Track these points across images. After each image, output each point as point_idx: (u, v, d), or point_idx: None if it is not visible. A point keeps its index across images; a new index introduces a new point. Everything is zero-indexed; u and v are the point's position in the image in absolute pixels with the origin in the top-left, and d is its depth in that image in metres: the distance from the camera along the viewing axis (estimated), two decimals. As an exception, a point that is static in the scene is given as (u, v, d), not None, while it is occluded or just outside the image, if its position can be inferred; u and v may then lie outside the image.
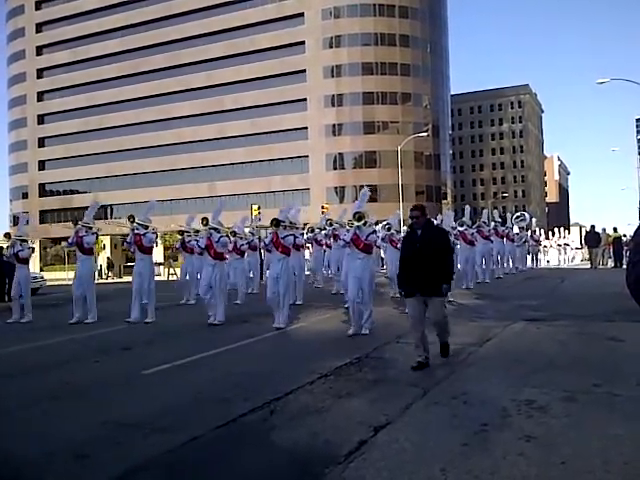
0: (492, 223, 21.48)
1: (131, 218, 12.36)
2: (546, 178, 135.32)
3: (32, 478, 4.02)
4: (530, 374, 6.30)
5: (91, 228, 12.72)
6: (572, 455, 4.02)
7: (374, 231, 10.78)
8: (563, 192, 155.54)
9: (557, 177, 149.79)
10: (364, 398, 5.76)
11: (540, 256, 31.11)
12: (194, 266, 15.27)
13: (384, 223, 15.15)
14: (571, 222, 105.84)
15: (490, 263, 19.56)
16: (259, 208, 35.71)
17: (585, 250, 35.81)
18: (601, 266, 26.68)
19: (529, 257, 27.25)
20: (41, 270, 40.45)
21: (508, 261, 22.67)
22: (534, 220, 28.25)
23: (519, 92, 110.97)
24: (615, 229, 27.68)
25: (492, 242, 19.39)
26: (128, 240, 12.24)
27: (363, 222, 9.52)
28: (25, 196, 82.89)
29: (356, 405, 5.54)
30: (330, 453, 4.23)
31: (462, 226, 16.06)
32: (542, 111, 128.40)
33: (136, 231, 12.07)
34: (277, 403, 5.59)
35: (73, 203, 74.55)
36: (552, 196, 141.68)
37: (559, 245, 34.95)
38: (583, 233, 34.71)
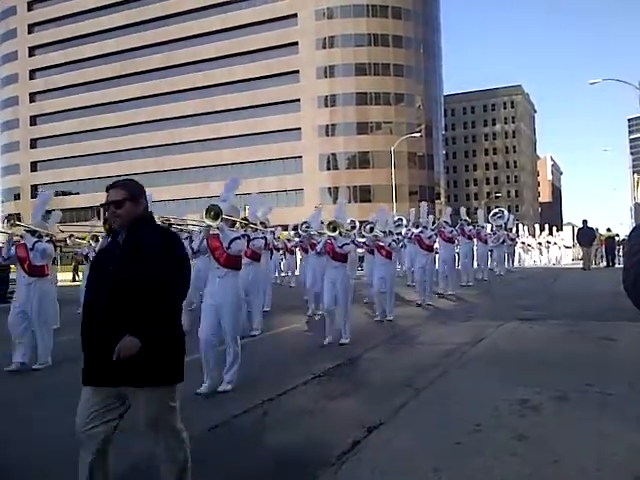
0: (488, 225, 20.72)
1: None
2: (539, 178, 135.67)
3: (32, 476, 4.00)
4: (523, 373, 6.31)
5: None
6: (565, 454, 4.03)
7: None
8: (556, 192, 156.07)
9: (550, 177, 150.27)
10: (357, 399, 5.76)
11: (524, 256, 29.97)
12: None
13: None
14: (564, 222, 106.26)
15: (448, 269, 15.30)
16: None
17: (576, 249, 35.25)
18: (594, 265, 26.41)
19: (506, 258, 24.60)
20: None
21: (485, 265, 19.46)
22: (512, 217, 25.41)
23: (512, 92, 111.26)
24: (609, 229, 27.61)
25: (454, 244, 16.03)
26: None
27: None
28: (17, 197, 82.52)
29: (349, 406, 5.54)
30: (324, 454, 4.22)
31: (417, 228, 13.84)
32: (535, 111, 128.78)
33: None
34: (270, 404, 5.58)
35: (65, 204, 74.21)
36: (545, 196, 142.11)
37: (539, 243, 32.29)
38: (575, 232, 33.34)
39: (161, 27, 75.45)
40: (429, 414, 5.13)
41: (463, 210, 18.86)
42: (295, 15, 71.48)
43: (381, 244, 10.94)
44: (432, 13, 76.96)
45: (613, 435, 4.36)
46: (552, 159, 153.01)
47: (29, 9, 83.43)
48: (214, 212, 5.92)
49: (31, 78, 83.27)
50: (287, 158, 70.59)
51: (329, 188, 69.70)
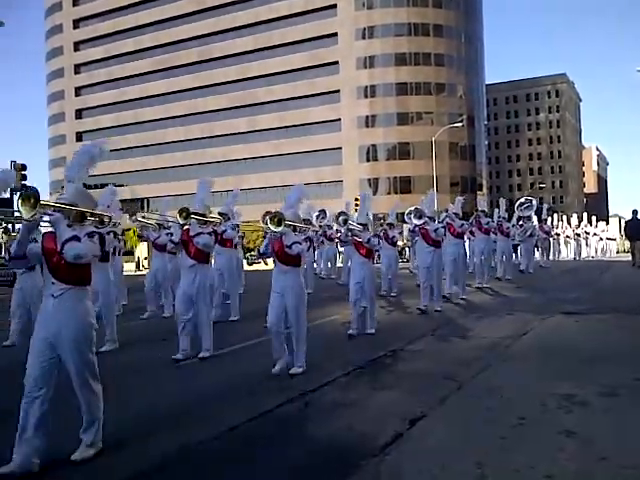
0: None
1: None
2: (584, 169, 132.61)
3: (60, 471, 4.10)
4: (569, 368, 6.19)
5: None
6: (613, 451, 3.94)
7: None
8: (602, 183, 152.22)
9: (595, 167, 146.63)
10: (399, 391, 5.74)
11: (563, 249, 28.24)
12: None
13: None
14: (610, 213, 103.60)
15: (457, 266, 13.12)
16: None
17: (620, 241, 33.85)
18: None
19: (537, 252, 22.81)
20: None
21: (509, 260, 17.03)
22: (545, 207, 23.32)
23: (556, 81, 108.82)
24: None
25: (463, 240, 13.71)
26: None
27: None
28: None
29: (391, 397, 5.53)
30: (366, 445, 4.22)
31: (420, 219, 11.12)
32: (580, 100, 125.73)
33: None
34: (312, 395, 5.60)
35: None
36: (590, 187, 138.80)
37: (577, 235, 29.18)
38: (622, 224, 31.58)
39: (199, 21, 76.09)
40: (472, 407, 5.07)
41: (503, 202, 17.65)
42: (334, 6, 71.17)
43: (359, 240, 8.84)
44: (473, 1, 75.67)
45: (664, 432, 4.24)
46: (598, 149, 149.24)
47: (74, 5, 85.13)
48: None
49: (76, 73, 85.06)
50: (326, 150, 70.50)
51: (369, 179, 69.40)
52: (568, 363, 6.42)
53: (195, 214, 7.69)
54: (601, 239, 32.81)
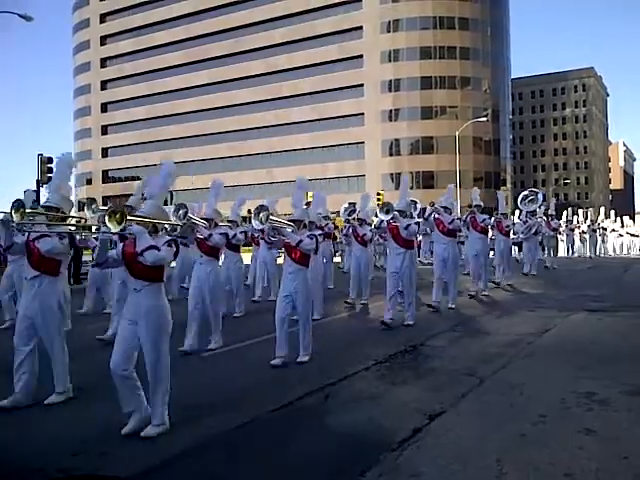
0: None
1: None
2: (610, 164, 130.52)
3: (96, 453, 4.18)
4: (591, 366, 6.14)
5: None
6: (635, 450, 3.91)
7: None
8: (628, 179, 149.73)
9: (622, 163, 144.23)
10: (419, 386, 5.74)
11: (579, 245, 26.73)
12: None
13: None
14: (637, 210, 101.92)
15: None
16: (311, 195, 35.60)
17: None
18: None
19: (542, 251, 20.90)
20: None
21: (508, 262, 14.68)
22: (552, 202, 21.23)
23: (583, 75, 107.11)
24: None
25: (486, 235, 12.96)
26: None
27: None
28: (89, 182, 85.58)
29: (411, 392, 5.53)
30: (384, 439, 4.24)
31: (388, 214, 8.91)
32: (607, 95, 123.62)
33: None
34: (332, 388, 5.63)
35: (134, 189, 76.45)
36: (616, 183, 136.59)
37: (594, 230, 27.10)
38: None
39: (227, 14, 76.22)
40: (492, 404, 5.06)
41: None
42: (360, -1, 70.87)
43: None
44: (500, -7, 74.71)
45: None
46: (625, 145, 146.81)
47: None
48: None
49: (102, 66, 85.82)
50: (349, 144, 70.34)
51: (391, 174, 69.06)
52: (590, 361, 6.36)
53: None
54: (620, 235, 31.44)
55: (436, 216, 10.69)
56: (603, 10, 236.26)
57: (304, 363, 6.69)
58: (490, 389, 5.50)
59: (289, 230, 6.87)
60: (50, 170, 21.09)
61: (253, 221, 6.61)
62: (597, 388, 5.28)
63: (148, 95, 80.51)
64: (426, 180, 67.70)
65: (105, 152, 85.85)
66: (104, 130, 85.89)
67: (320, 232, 8.70)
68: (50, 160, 21.61)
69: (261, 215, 6.57)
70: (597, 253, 27.26)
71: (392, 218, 8.82)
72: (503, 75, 75.15)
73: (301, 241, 6.74)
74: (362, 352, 7.20)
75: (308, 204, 9.34)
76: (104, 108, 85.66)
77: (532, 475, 3.62)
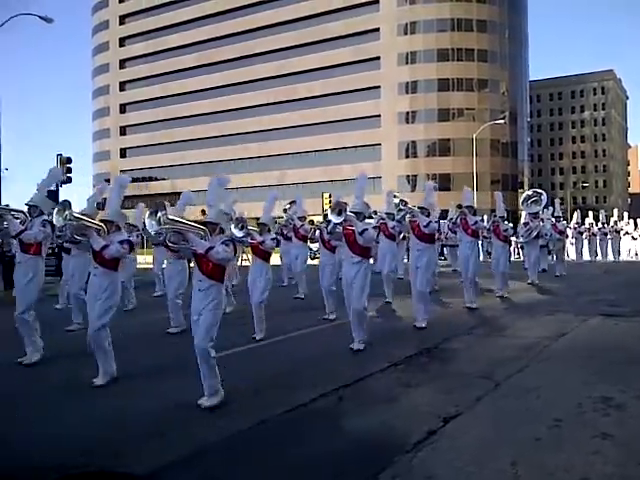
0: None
1: None
2: (629, 168, 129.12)
3: (106, 454, 4.24)
4: (607, 371, 6.09)
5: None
6: (651, 456, 3.88)
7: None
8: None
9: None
10: (434, 388, 5.74)
11: (590, 248, 25.73)
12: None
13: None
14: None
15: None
16: (330, 196, 35.63)
17: None
18: None
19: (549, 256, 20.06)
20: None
21: (502, 271, 13.04)
22: (557, 203, 20.03)
23: (603, 78, 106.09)
24: None
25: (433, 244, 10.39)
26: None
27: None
28: (107, 182, 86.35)
29: (425, 395, 5.53)
30: (399, 442, 4.25)
31: (340, 215, 7.53)
32: (627, 98, 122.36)
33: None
34: (346, 390, 5.64)
35: (150, 190, 77.07)
36: (635, 186, 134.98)
37: (604, 234, 26.34)
38: None
39: (240, 17, 76.54)
40: (508, 407, 5.05)
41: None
42: (377, 1, 70.75)
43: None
44: (519, -5, 74.28)
45: None
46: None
47: (120, 1, 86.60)
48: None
49: (121, 68, 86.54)
50: (366, 146, 70.28)
51: (407, 176, 68.91)
52: (607, 365, 6.32)
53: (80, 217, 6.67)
54: (634, 238, 30.74)
55: (412, 218, 9.43)
56: (623, 13, 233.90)
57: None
58: (505, 392, 5.48)
59: (192, 235, 5.41)
60: (69, 170, 21.31)
61: (146, 220, 5.38)
62: (613, 393, 5.24)
63: (163, 97, 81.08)
64: (443, 182, 67.28)
65: (123, 152, 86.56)
66: (122, 131, 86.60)
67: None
68: (69, 160, 21.81)
69: (158, 215, 5.29)
70: (615, 257, 26.73)
71: (345, 220, 7.40)
72: (521, 77, 74.67)
73: (211, 248, 5.27)
74: (377, 354, 7.20)
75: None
76: (122, 109, 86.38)
77: (547, 479, 3.61)
